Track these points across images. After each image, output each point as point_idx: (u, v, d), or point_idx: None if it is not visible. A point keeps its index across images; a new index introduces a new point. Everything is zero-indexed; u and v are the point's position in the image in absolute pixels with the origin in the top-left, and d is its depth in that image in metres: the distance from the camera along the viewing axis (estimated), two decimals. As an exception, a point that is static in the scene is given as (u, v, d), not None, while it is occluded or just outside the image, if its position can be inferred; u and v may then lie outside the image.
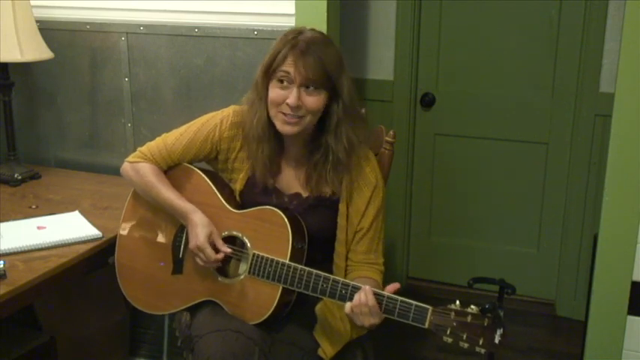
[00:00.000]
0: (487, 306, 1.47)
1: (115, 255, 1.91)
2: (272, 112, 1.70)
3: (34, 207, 2.20)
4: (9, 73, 2.41)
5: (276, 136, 1.76)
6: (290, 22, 2.21)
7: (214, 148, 1.82)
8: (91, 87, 2.56)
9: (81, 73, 2.56)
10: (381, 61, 3.24)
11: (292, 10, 2.20)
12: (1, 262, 1.73)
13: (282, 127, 1.69)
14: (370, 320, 1.54)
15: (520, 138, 3.19)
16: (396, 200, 3.35)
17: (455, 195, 3.37)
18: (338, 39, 2.32)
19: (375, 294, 1.55)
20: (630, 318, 2.06)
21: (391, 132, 1.96)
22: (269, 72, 1.69)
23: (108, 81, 2.53)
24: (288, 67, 1.65)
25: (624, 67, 1.92)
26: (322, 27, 2.14)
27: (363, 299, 1.54)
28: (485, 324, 1.46)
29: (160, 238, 1.85)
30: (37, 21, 2.36)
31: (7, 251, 1.84)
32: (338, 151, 1.72)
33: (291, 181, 1.81)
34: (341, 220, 1.76)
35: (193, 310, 1.79)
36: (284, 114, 1.67)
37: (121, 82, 2.50)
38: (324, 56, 1.67)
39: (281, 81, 1.67)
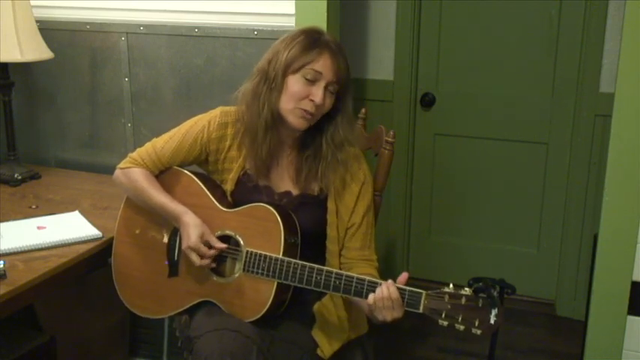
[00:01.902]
0: (480, 285, 1.48)
1: (112, 262, 1.91)
2: (289, 105, 1.70)
3: (34, 207, 2.20)
4: (9, 73, 2.41)
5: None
6: (290, 22, 2.21)
7: (204, 150, 1.82)
8: (91, 87, 2.56)
9: (81, 73, 2.56)
10: (381, 61, 3.24)
11: (292, 10, 2.21)
12: (1, 262, 1.73)
13: (296, 121, 1.70)
14: (394, 314, 1.54)
15: (520, 138, 3.19)
16: (396, 200, 3.36)
17: (455, 195, 3.37)
18: (338, 39, 2.31)
19: (370, 282, 1.56)
20: (630, 318, 2.06)
21: (391, 132, 1.96)
22: (294, 66, 1.68)
23: (108, 81, 2.53)
24: (321, 66, 1.67)
25: (624, 67, 1.92)
26: (322, 27, 2.14)
27: (386, 293, 1.53)
28: (480, 305, 1.46)
29: (155, 243, 1.85)
30: (37, 21, 2.36)
31: (7, 251, 1.84)
32: (336, 150, 1.74)
33: (281, 178, 1.82)
34: (331, 217, 1.77)
35: (192, 311, 1.80)
36: (303, 109, 1.68)
37: (121, 82, 2.50)
38: (347, 61, 1.72)
39: (307, 77, 1.68)
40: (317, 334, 1.75)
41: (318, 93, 1.67)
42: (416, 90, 3.27)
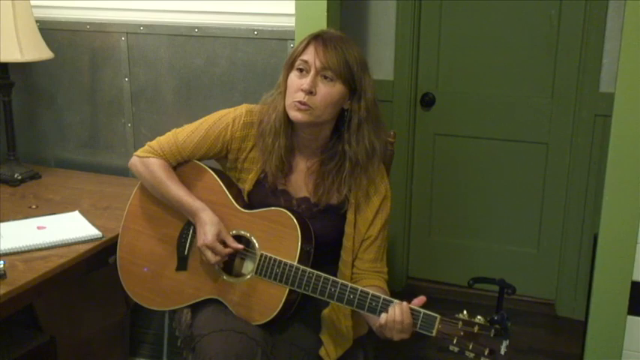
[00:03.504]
0: (495, 318, 1.47)
1: (117, 248, 1.90)
2: (287, 101, 1.70)
3: (34, 207, 2.20)
4: (9, 73, 2.41)
5: (291, 135, 1.76)
6: (290, 22, 2.21)
7: (225, 147, 1.81)
8: (91, 87, 2.56)
9: (81, 73, 2.56)
10: (381, 61, 3.24)
11: (292, 10, 2.20)
12: (1, 262, 1.73)
13: (292, 114, 1.68)
14: (402, 335, 1.54)
15: (520, 138, 3.19)
16: (396, 200, 3.31)
17: (455, 195, 3.37)
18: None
19: (385, 300, 1.55)
20: (630, 318, 2.06)
21: (391, 132, 1.96)
22: (289, 63, 1.71)
23: (108, 81, 2.53)
24: (308, 55, 1.67)
25: (624, 67, 1.92)
26: (322, 27, 2.14)
27: (399, 317, 1.52)
28: (492, 335, 1.46)
29: (165, 234, 1.84)
30: (37, 21, 2.36)
31: (7, 251, 1.84)
32: (358, 153, 1.71)
33: (301, 185, 1.80)
34: (348, 228, 1.76)
35: (195, 308, 1.79)
36: (296, 101, 1.67)
37: (121, 82, 2.50)
38: (346, 50, 1.68)
39: (300, 70, 1.68)
40: (325, 338, 1.75)
41: (306, 81, 1.66)
42: (416, 90, 3.27)
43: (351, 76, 1.68)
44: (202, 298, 1.77)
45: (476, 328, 1.47)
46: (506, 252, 3.34)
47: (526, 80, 3.12)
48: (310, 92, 1.65)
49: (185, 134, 1.82)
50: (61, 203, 2.23)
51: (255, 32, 2.29)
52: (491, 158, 3.26)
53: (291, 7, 2.21)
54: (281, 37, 2.24)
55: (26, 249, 1.87)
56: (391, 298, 1.57)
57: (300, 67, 1.68)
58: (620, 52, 1.93)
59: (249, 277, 1.72)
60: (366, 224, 1.77)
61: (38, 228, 2.00)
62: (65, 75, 2.58)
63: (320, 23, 2.14)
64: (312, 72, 1.66)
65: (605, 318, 2.09)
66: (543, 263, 3.28)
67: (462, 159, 3.31)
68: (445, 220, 3.41)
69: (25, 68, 2.58)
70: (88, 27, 2.49)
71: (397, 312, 1.53)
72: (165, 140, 1.83)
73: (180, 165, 1.84)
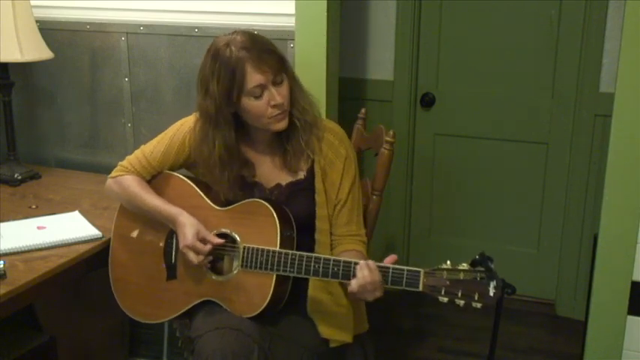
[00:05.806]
0: (477, 258, 1.48)
1: (109, 270, 1.92)
2: (261, 121, 1.72)
3: (34, 207, 2.20)
4: (9, 73, 2.41)
5: (239, 150, 1.79)
6: (290, 22, 2.21)
7: (193, 151, 1.83)
8: (91, 87, 2.56)
9: (81, 73, 2.56)
10: (381, 62, 3.24)
11: (292, 10, 2.20)
12: (1, 262, 1.74)
13: (278, 126, 1.73)
14: (375, 295, 1.56)
15: (520, 138, 3.19)
16: (396, 200, 3.36)
17: (455, 195, 3.37)
18: (338, 39, 2.32)
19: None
20: (630, 318, 2.06)
21: (391, 132, 1.96)
22: (233, 96, 1.69)
23: (108, 81, 2.53)
24: (257, 78, 1.67)
25: (624, 67, 1.92)
26: (322, 27, 2.14)
27: (369, 277, 1.55)
28: (478, 278, 1.48)
29: (151, 247, 1.86)
30: (37, 21, 2.36)
31: (7, 251, 1.84)
32: (302, 116, 1.76)
33: (270, 172, 1.83)
34: (320, 197, 1.78)
35: (192, 313, 1.80)
36: (275, 116, 1.71)
37: (121, 82, 2.50)
38: (270, 46, 1.73)
39: (255, 96, 1.69)
40: (326, 332, 1.75)
41: (273, 95, 1.69)
42: (416, 90, 3.27)
43: (285, 64, 1.74)
44: (196, 302, 1.79)
45: (461, 275, 1.49)
46: (506, 252, 3.33)
47: (526, 80, 3.12)
48: (283, 102, 1.70)
49: (152, 146, 1.87)
50: (61, 203, 2.23)
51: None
52: (491, 158, 3.26)
53: (291, 7, 2.21)
54: (281, 37, 2.24)
55: (26, 249, 1.87)
56: (356, 260, 1.59)
57: (256, 93, 1.68)
58: (620, 52, 1.93)
59: (236, 272, 1.73)
60: (335, 189, 1.80)
61: (38, 228, 2.00)
62: (65, 75, 2.58)
63: (320, 23, 2.14)
64: (270, 86, 1.69)
65: (605, 318, 2.09)
66: (543, 263, 3.28)
67: (462, 159, 3.31)
68: (445, 220, 3.41)
69: (25, 68, 2.58)
70: (88, 27, 2.49)
71: (366, 273, 1.55)
72: (134, 156, 1.87)
73: (154, 177, 1.87)
